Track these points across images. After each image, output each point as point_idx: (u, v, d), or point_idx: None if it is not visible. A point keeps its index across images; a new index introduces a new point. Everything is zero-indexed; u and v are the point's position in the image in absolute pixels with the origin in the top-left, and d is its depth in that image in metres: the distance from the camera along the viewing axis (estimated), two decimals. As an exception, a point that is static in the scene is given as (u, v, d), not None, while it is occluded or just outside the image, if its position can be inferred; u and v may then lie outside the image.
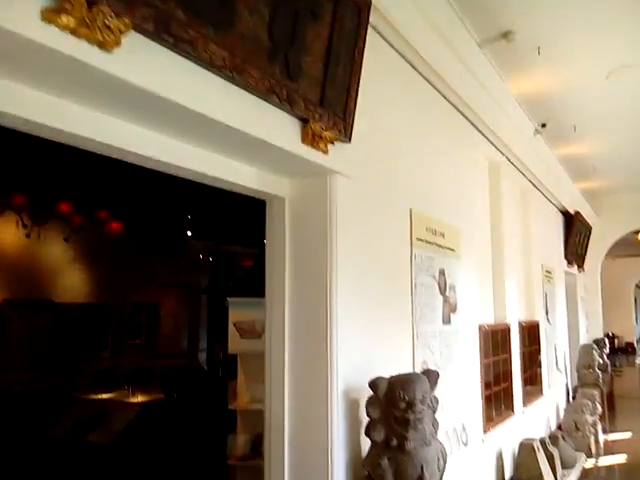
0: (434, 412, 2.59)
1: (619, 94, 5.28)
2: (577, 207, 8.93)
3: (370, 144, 3.04)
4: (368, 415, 2.53)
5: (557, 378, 7.54)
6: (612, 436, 7.44)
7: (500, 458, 4.82)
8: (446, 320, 3.86)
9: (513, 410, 5.23)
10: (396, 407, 2.46)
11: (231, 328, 4.25)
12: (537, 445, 4.62)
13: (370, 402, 2.55)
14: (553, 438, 5.45)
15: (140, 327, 10.56)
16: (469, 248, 4.45)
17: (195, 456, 5.32)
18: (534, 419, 6.10)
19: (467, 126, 4.60)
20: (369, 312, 2.94)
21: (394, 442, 2.45)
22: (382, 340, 3.05)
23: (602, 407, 7.70)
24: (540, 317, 6.74)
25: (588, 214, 9.71)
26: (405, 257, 3.38)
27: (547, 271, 7.36)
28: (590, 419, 6.60)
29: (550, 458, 4.90)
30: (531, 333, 6.35)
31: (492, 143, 5.10)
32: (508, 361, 5.25)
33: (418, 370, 3.35)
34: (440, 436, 3.58)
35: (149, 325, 10.71)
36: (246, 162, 2.58)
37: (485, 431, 4.46)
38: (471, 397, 4.25)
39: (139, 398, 6.37)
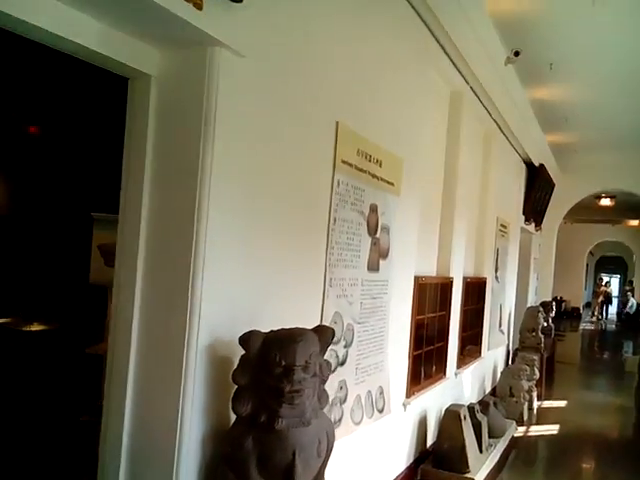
0: (323, 382, 1.93)
1: (604, 25, 4.54)
2: (543, 160, 8.32)
3: (282, 17, 2.22)
4: (234, 380, 1.85)
5: (498, 340, 7.15)
6: (547, 404, 7.16)
7: (424, 425, 4.34)
8: (373, 267, 3.19)
9: (445, 373, 4.73)
10: (270, 373, 1.79)
11: (95, 252, 3.40)
12: (464, 413, 4.14)
13: (240, 364, 1.87)
14: (484, 404, 5.01)
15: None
16: (413, 185, 3.74)
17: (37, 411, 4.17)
18: (469, 382, 5.66)
19: (428, 38, 3.79)
20: (262, 244, 2.20)
21: (262, 418, 1.80)
22: (279, 283, 2.34)
23: (540, 373, 7.41)
24: (488, 274, 6.22)
25: (553, 170, 9.17)
26: (324, 182, 2.64)
27: (502, 225, 6.80)
28: (526, 385, 6.24)
29: (477, 426, 4.44)
30: (476, 290, 5.83)
31: (455, 65, 4.32)
32: (446, 318, 4.69)
33: (328, 324, 2.70)
34: (350, 402, 3.01)
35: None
36: (91, 13, 1.75)
37: (408, 395, 3.92)
38: (396, 357, 3.66)
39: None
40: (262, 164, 2.17)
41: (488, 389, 6.61)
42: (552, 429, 6.05)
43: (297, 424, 1.78)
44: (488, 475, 4.31)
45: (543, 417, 6.52)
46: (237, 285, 2.08)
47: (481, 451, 4.44)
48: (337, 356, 2.84)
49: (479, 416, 4.57)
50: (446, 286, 4.67)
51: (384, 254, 3.34)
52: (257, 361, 1.82)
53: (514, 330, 8.21)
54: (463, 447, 4.03)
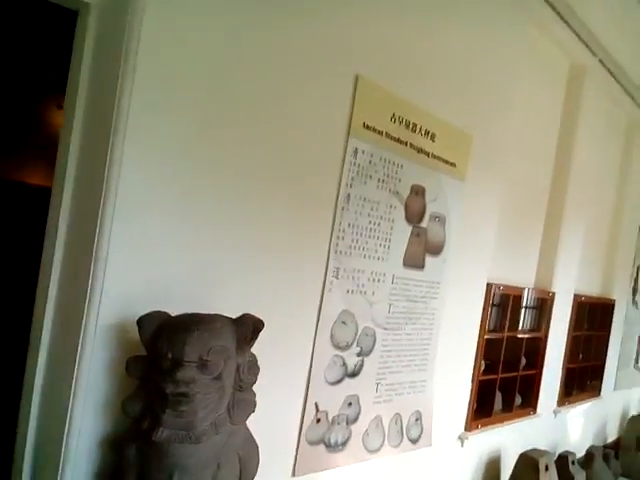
0: (241, 388, 1.46)
1: None
2: None
3: None
4: (127, 372, 1.48)
5: (633, 379, 5.82)
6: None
7: (494, 468, 3.55)
8: (413, 262, 2.60)
9: (535, 408, 3.85)
10: (158, 368, 1.38)
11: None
12: (545, 462, 3.28)
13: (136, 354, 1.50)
14: (588, 455, 4.01)
15: None
16: (490, 171, 3.03)
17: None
18: (578, 426, 4.63)
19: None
20: (212, 209, 1.78)
21: (145, 424, 1.40)
22: (243, 261, 1.91)
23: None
24: (619, 296, 5.04)
25: None
26: (330, 147, 2.13)
27: (648, 239, 5.50)
28: (661, 439, 4.95)
29: (568, 482, 3.54)
30: (597, 314, 4.74)
31: (573, 29, 3.45)
32: (542, 341, 3.82)
33: (330, 325, 2.21)
34: (363, 423, 2.47)
35: None
36: None
37: (470, 429, 3.20)
38: (450, 379, 3.00)
39: None
40: (213, 106, 1.75)
41: (611, 438, 5.39)
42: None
43: (182, 439, 1.35)
44: None
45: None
46: (169, 252, 1.66)
47: (570, 513, 3.52)
48: (344, 364, 2.32)
49: (573, 469, 3.64)
50: (544, 302, 3.80)
51: (434, 249, 2.72)
52: (149, 351, 1.42)
53: (661, 370, 6.68)
54: (538, 505, 3.20)
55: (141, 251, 1.60)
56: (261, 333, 1.49)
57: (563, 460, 3.65)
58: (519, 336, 3.67)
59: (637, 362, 5.82)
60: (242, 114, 1.81)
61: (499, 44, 2.97)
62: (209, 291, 1.78)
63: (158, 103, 1.60)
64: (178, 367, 1.32)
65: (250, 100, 1.83)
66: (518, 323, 3.62)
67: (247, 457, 1.49)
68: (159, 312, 1.45)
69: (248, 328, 1.45)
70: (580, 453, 4.14)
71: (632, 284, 5.34)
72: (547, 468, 3.32)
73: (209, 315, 1.46)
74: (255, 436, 1.97)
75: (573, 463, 3.67)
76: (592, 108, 3.98)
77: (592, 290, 4.69)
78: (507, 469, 3.56)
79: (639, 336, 5.76)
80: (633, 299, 5.42)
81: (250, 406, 1.48)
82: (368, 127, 2.25)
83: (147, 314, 1.43)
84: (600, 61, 3.89)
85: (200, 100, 1.70)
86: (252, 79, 1.82)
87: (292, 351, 2.09)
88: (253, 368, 1.47)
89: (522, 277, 3.75)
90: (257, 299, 1.92)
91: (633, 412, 5.96)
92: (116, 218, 1.54)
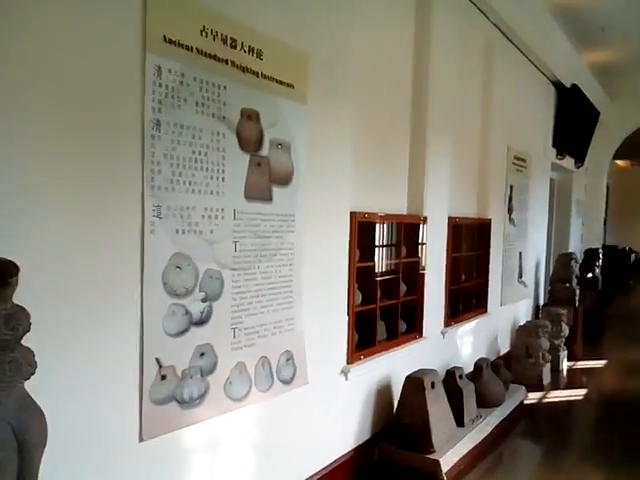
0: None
1: None
2: (580, 83, 6.99)
3: None
4: None
5: (519, 293, 6.14)
6: (582, 364, 6.14)
7: (386, 396, 3.55)
8: (258, 195, 2.39)
9: (420, 332, 3.88)
10: None
11: None
12: (430, 380, 3.30)
13: None
14: (476, 368, 4.14)
15: None
16: (336, 92, 2.87)
17: None
18: (468, 343, 4.78)
19: None
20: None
21: None
22: None
23: (575, 330, 6.37)
24: (496, 215, 5.20)
25: (596, 95, 7.77)
26: (126, 64, 1.84)
27: (517, 157, 5.70)
28: (545, 343, 5.26)
29: (457, 395, 3.61)
30: (475, 234, 4.86)
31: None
32: (417, 265, 3.81)
33: (161, 271, 1.97)
34: (223, 372, 2.28)
35: None
36: None
37: (351, 361, 3.14)
38: (324, 314, 2.88)
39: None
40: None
41: (504, 350, 5.66)
42: (577, 394, 5.08)
43: None
44: (468, 453, 3.48)
45: (571, 381, 5.55)
46: None
47: (462, 425, 3.61)
48: (187, 312, 2.10)
49: (461, 382, 3.72)
50: (415, 227, 3.78)
51: (281, 180, 2.53)
52: None
53: (545, 282, 7.13)
54: (426, 422, 3.23)
55: None
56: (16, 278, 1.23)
57: (450, 376, 3.71)
58: (395, 262, 3.64)
59: (520, 277, 6.12)
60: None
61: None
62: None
63: None
64: None
65: None
66: (393, 250, 3.58)
67: (25, 426, 1.24)
68: None
69: (-8, 272, 1.18)
70: (472, 369, 4.27)
71: (507, 202, 5.53)
72: (433, 386, 3.35)
73: None
74: (86, 402, 1.74)
75: (461, 377, 3.75)
76: (443, 25, 3.91)
77: (468, 212, 4.78)
78: (398, 395, 3.58)
79: (520, 252, 6.04)
80: (509, 217, 5.62)
81: (17, 367, 1.22)
82: (172, 42, 1.98)
83: None
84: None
85: None
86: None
87: (114, 306, 1.84)
88: (11, 322, 1.21)
89: (394, 205, 3.69)
90: (53, 248, 1.64)
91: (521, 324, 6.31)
92: None
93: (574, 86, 6.78)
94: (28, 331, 1.30)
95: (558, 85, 6.77)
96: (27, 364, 1.26)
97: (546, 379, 5.27)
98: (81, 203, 1.73)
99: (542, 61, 5.94)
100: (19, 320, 1.22)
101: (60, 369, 1.67)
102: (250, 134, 2.35)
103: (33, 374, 1.30)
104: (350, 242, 3.08)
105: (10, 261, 1.22)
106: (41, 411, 1.31)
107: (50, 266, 1.63)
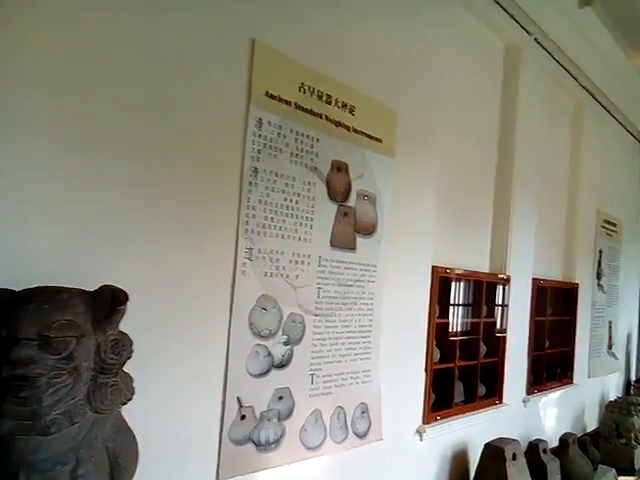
0: (103, 370, 1.28)
1: None
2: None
3: None
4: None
5: (608, 365, 5.70)
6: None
7: (461, 462, 3.35)
8: (342, 244, 2.44)
9: (500, 398, 3.68)
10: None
11: None
12: (512, 451, 3.09)
13: None
14: (562, 443, 3.83)
15: None
16: (423, 148, 2.92)
17: None
18: (551, 415, 4.46)
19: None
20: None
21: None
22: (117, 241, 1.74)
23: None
24: (583, 280, 4.94)
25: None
26: (232, 117, 1.99)
27: (607, 221, 5.45)
28: (638, 422, 4.79)
29: (539, 470, 3.34)
30: (560, 299, 4.63)
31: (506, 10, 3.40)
32: (498, 326, 3.67)
33: (248, 312, 2.04)
34: (299, 418, 2.27)
35: None
36: None
37: (427, 421, 3.02)
38: (401, 369, 2.82)
39: None
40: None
41: (591, 427, 5.22)
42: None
43: (27, 430, 1.16)
44: (552, 539, 3.19)
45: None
46: (45, 222, 1.51)
47: (545, 505, 3.33)
48: (269, 354, 2.14)
49: (545, 457, 3.46)
50: (497, 286, 3.66)
51: (366, 230, 2.57)
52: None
53: (638, 355, 6.59)
54: (506, 496, 3.01)
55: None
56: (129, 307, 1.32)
57: (533, 448, 3.47)
58: (474, 321, 3.53)
59: (610, 348, 5.70)
60: (125, 91, 1.67)
61: (424, 24, 2.90)
62: (92, 271, 1.60)
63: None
64: (13, 345, 1.13)
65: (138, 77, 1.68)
66: (474, 310, 3.48)
67: (119, 450, 1.30)
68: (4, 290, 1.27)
69: (105, 301, 1.28)
70: (556, 443, 3.97)
71: (596, 267, 5.25)
72: (515, 457, 3.14)
73: (54, 287, 1.28)
74: (167, 436, 1.79)
75: (545, 451, 3.49)
76: (531, 88, 3.92)
77: (553, 274, 4.58)
78: (475, 462, 3.37)
79: (610, 321, 5.66)
80: (598, 283, 5.32)
81: (118, 391, 1.29)
82: (272, 96, 2.12)
83: (-9, 290, 1.25)
84: (535, 40, 3.87)
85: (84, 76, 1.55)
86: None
87: (202, 341, 1.91)
88: (117, 347, 1.29)
89: (475, 261, 3.62)
90: (149, 281, 1.75)
91: (611, 399, 5.81)
92: None
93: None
94: (130, 357, 1.38)
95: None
96: (127, 389, 1.32)
97: (638, 462, 4.77)
98: (184, 240, 1.84)
99: (629, 120, 5.75)
100: (124, 346, 1.30)
101: (146, 398, 1.73)
102: (339, 185, 2.43)
103: (131, 400, 1.36)
104: (431, 297, 3.03)
105: (121, 289, 1.31)
106: (134, 437, 1.36)
107: (147, 300, 1.73)
